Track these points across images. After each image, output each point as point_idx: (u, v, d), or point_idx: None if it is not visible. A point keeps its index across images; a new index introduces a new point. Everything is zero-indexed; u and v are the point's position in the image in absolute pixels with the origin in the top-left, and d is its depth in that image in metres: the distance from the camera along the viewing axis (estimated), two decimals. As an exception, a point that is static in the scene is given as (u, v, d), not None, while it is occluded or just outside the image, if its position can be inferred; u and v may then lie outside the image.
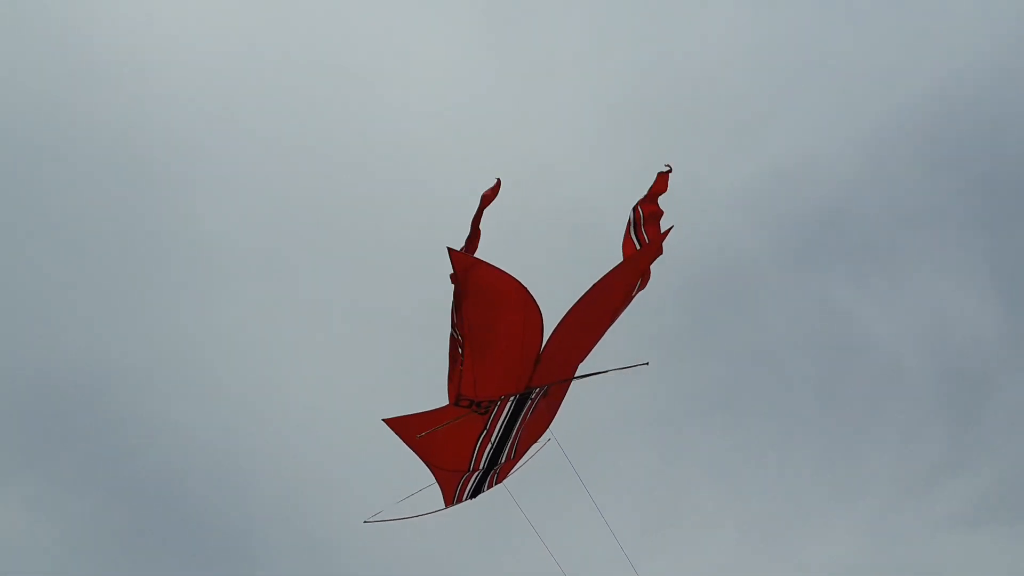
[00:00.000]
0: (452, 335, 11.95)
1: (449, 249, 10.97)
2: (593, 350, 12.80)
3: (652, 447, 30.95)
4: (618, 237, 13.38)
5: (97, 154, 31.38)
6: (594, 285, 11.89)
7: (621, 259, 13.15)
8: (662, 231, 13.40)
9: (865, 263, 34.88)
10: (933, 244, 34.65)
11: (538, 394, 12.17)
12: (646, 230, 13.42)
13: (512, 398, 11.89)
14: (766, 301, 34.30)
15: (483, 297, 11.39)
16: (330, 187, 32.63)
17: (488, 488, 12.74)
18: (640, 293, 13.17)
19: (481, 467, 12.38)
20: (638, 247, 13.27)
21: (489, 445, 12.28)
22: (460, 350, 11.74)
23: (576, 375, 12.55)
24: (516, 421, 12.20)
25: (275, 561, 28.17)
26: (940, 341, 34.13)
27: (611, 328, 12.83)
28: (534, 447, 12.91)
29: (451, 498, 12.51)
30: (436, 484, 12.50)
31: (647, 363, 12.28)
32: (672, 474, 30.67)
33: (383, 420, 11.66)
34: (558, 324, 11.79)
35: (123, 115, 31.50)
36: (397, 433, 11.89)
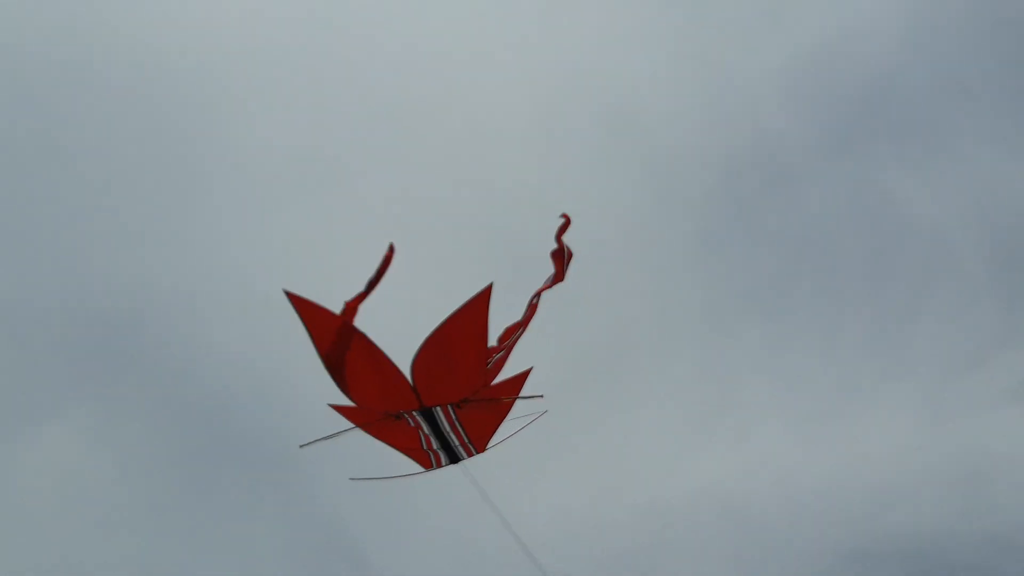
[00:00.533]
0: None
1: (287, 293, 11.48)
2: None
3: (698, 343, 30.90)
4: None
5: (132, 76, 31.27)
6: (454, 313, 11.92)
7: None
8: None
9: (907, 140, 34.07)
10: (977, 116, 33.74)
11: (449, 408, 12.32)
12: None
13: (414, 412, 12.21)
14: (808, 186, 33.70)
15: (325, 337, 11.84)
16: (370, 96, 32.33)
17: (468, 456, 13.10)
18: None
19: (435, 448, 12.78)
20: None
21: (432, 440, 12.66)
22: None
23: (479, 397, 12.49)
24: (438, 428, 12.49)
25: (323, 473, 28.60)
26: (988, 215, 33.46)
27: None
28: (528, 420, 13.27)
29: (428, 464, 13.02)
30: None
31: (541, 396, 12.87)
32: (719, 368, 30.61)
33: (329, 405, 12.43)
34: (418, 351, 11.80)
35: (155, 36, 31.24)
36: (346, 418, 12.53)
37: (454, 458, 12.98)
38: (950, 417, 30.84)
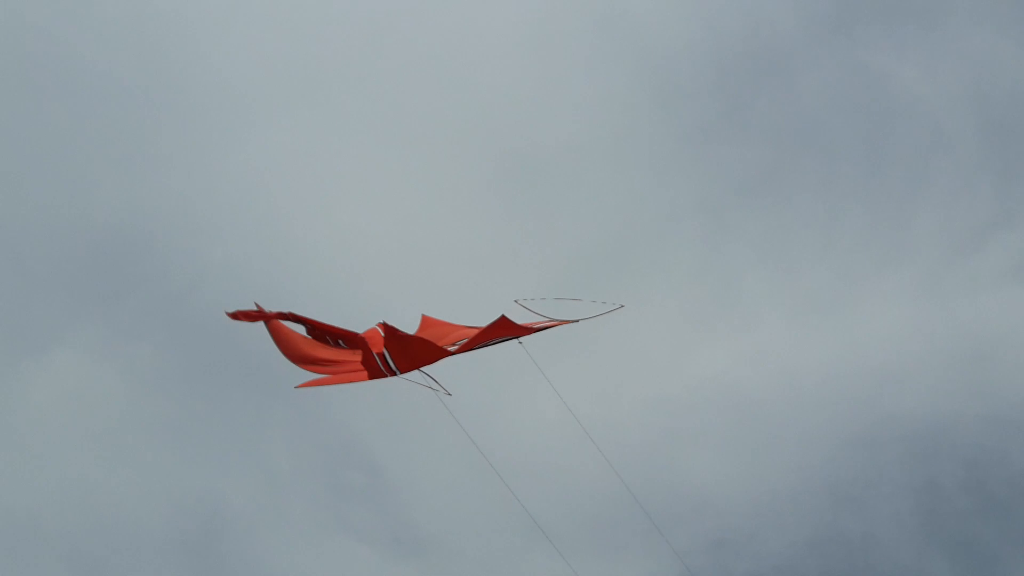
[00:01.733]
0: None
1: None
2: None
3: (697, 236, 30.98)
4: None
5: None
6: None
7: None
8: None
9: (898, 21, 33.65)
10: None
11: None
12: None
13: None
14: (801, 73, 33.39)
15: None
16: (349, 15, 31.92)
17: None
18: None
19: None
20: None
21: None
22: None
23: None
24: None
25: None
26: (981, 94, 33.23)
27: None
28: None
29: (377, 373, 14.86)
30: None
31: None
32: (718, 262, 30.74)
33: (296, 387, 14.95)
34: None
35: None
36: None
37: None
38: (950, 300, 31.09)
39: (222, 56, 31.15)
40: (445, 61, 32.48)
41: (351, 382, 15.01)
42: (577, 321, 15.70)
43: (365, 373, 14.85)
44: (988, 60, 33.39)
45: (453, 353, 14.93)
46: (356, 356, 14.87)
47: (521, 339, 15.15)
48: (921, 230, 32.35)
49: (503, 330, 14.79)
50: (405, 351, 14.55)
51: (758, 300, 30.38)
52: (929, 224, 32.43)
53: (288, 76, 31.32)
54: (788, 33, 33.00)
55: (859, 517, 27.30)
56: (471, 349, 14.99)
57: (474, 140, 31.20)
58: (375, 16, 32.28)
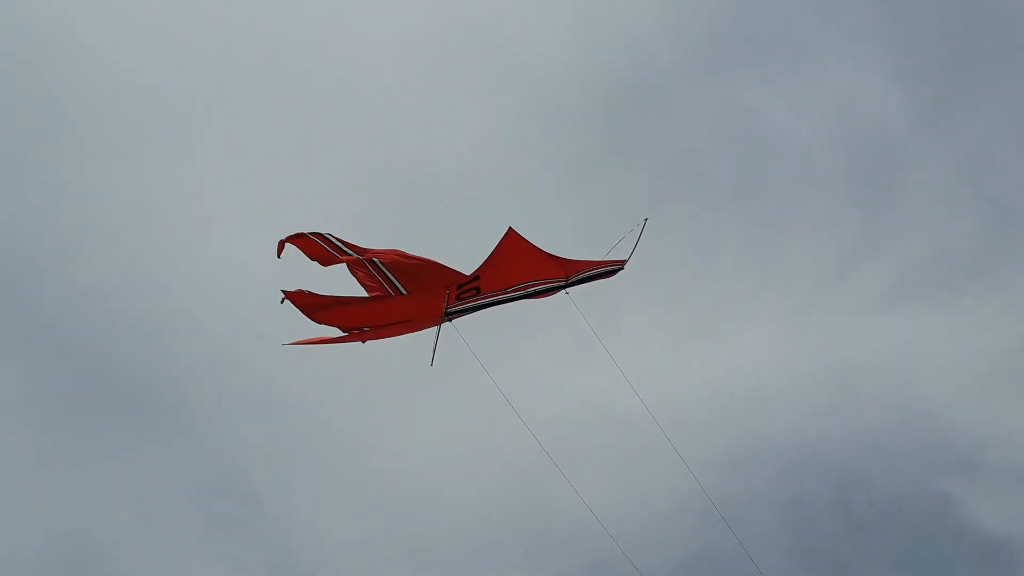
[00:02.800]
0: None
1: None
2: None
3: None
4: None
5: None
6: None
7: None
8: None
9: (770, 59, 34.94)
10: (837, 33, 34.81)
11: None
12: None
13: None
14: (679, 107, 34.35)
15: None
16: (243, 28, 31.63)
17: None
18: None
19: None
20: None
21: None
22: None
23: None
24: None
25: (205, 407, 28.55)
26: (848, 130, 34.74)
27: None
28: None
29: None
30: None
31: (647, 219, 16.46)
32: (598, 290, 31.11)
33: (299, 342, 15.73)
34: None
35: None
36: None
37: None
38: (819, 327, 32.28)
39: (102, 77, 30.30)
40: (334, 89, 32.27)
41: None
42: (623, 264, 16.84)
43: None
44: (855, 97, 34.88)
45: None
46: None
47: (568, 290, 16.69)
48: (792, 260, 33.43)
49: (550, 269, 16.21)
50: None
51: (638, 325, 30.89)
52: (799, 254, 33.61)
53: (170, 98, 30.69)
54: (667, 68, 33.91)
55: (731, 535, 27.94)
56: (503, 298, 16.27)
57: (363, 167, 31.11)
58: (264, 41, 31.98)
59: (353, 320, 15.83)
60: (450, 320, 16.16)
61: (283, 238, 15.38)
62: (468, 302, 16.20)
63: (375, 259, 15.73)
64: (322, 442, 28.05)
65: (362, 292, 15.94)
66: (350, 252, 15.62)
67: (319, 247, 15.56)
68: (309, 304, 15.57)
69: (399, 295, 15.81)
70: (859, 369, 31.58)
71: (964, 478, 30.20)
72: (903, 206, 34.07)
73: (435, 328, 16.07)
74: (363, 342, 16.07)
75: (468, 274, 15.94)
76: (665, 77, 33.89)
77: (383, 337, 16.16)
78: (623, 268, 16.87)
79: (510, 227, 15.44)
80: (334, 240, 15.62)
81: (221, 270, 28.25)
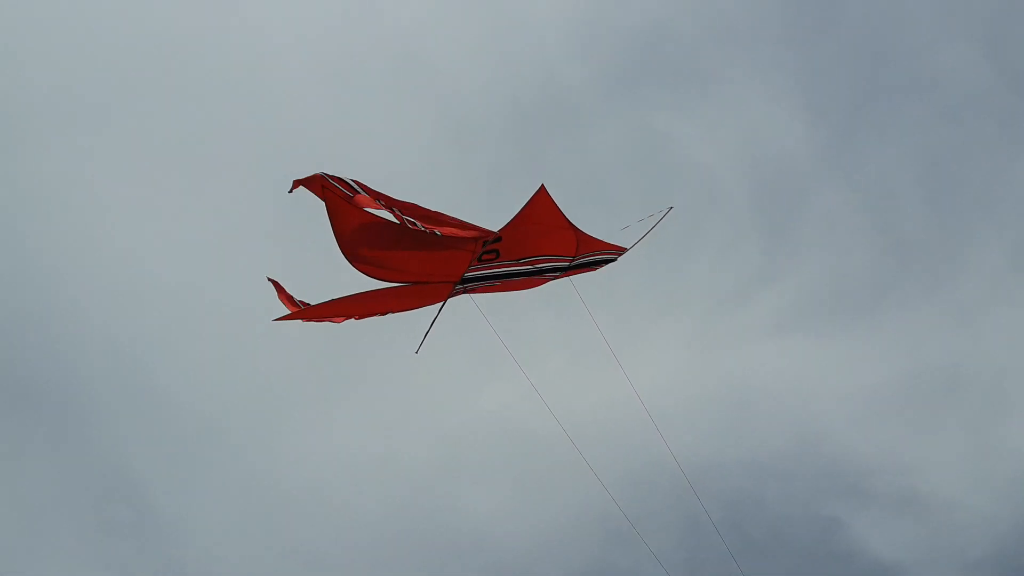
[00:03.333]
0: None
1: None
2: None
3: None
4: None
5: None
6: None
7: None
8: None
9: (681, 84, 35.58)
10: (747, 64, 35.65)
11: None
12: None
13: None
14: (589, 126, 34.71)
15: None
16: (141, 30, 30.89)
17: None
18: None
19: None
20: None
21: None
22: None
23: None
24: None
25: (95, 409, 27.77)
26: (754, 159, 35.50)
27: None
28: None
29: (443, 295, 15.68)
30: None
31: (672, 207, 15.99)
32: (502, 306, 31.13)
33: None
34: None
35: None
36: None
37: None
38: (717, 350, 32.92)
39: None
40: (240, 95, 31.84)
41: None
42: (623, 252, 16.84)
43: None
44: (761, 126, 35.67)
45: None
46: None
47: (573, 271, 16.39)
48: (694, 284, 33.83)
49: (564, 242, 15.75)
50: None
51: (543, 343, 30.97)
52: (701, 278, 34.02)
53: (67, 100, 29.85)
54: (579, 87, 34.25)
55: (627, 552, 28.27)
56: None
57: (268, 175, 30.79)
58: (167, 46, 31.38)
59: (359, 308, 15.24)
60: (466, 290, 15.67)
61: (299, 179, 13.97)
62: (487, 267, 15.58)
63: (396, 209, 14.43)
64: (218, 448, 27.54)
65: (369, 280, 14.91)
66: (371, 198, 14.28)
67: (337, 192, 14.18)
68: (309, 314, 15.00)
69: (408, 277, 15.00)
70: (756, 393, 32.25)
71: (854, 503, 31.17)
72: (803, 234, 34.96)
73: (435, 305, 15.54)
74: (357, 318, 15.44)
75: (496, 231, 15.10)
76: (577, 96, 34.23)
77: (383, 311, 15.46)
78: (622, 255, 16.97)
79: (542, 184, 14.87)
80: (355, 185, 14.24)
81: (113, 268, 27.81)
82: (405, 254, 14.84)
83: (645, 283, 33.12)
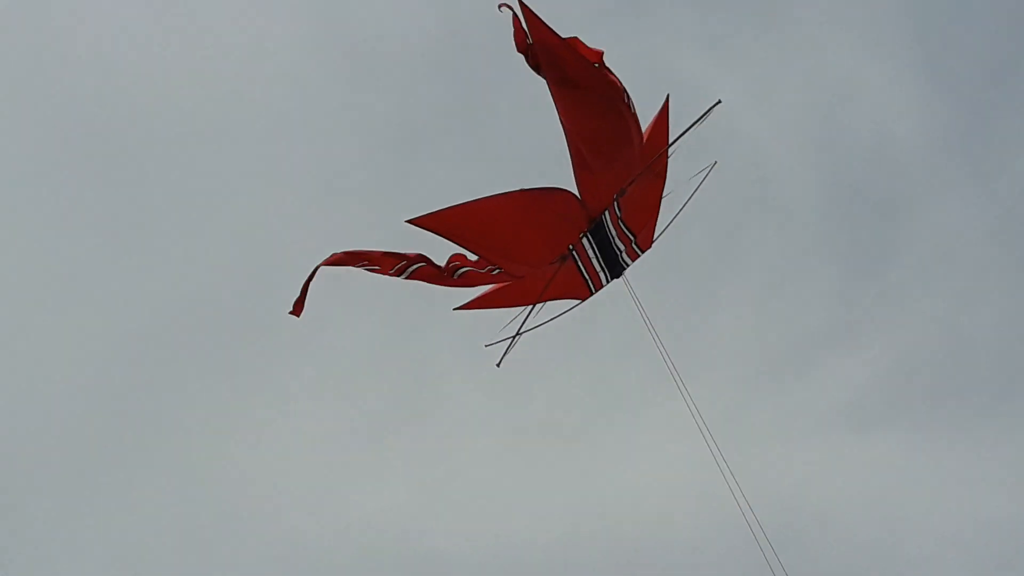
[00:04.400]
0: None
1: None
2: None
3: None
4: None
5: None
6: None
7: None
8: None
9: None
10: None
11: (615, 206, 12.79)
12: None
13: (583, 236, 12.90)
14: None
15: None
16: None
17: (633, 260, 13.56)
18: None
19: (597, 269, 13.33)
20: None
21: (595, 260, 13.22)
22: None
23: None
24: (606, 236, 13.04)
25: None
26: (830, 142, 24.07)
27: None
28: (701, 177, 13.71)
29: (587, 292, 13.55)
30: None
31: (719, 101, 12.58)
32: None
33: (454, 308, 13.62)
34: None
35: None
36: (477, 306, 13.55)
37: (616, 271, 13.43)
38: (752, 447, 21.43)
39: None
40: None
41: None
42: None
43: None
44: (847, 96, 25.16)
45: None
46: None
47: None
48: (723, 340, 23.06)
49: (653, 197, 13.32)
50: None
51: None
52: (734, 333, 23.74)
53: None
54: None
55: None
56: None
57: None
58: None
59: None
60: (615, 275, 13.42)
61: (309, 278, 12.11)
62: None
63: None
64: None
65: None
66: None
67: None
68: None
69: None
70: (809, 518, 21.20)
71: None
72: (901, 270, 23.25)
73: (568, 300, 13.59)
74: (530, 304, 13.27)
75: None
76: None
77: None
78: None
79: (668, 95, 12.92)
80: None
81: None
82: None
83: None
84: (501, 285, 13.37)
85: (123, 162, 23.94)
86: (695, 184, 13.63)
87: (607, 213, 12.72)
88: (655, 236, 13.71)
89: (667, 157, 12.95)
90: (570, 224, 12.74)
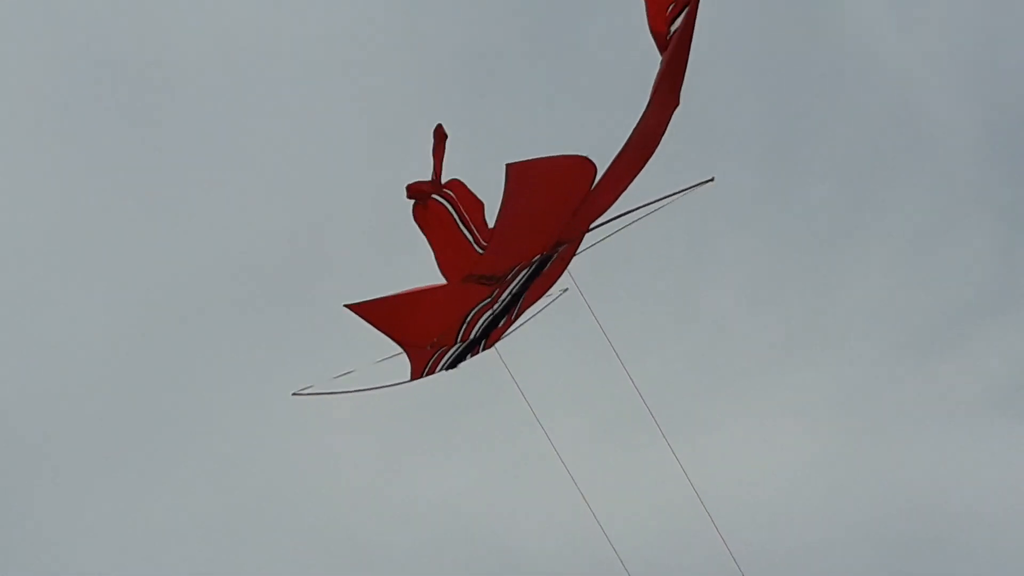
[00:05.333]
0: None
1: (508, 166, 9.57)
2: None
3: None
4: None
5: None
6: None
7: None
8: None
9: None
10: None
11: (562, 248, 12.09)
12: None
13: (536, 258, 11.94)
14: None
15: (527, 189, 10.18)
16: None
17: (473, 356, 12.85)
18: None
19: (472, 336, 12.55)
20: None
21: (490, 312, 12.34)
22: (468, 234, 11.31)
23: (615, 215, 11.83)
24: (531, 280, 12.22)
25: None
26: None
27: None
28: (540, 302, 12.85)
29: (420, 371, 12.65)
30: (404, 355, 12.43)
31: (712, 179, 12.04)
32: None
33: (344, 306, 11.29)
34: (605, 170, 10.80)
35: None
36: (363, 317, 11.47)
37: (460, 360, 12.68)
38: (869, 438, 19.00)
39: None
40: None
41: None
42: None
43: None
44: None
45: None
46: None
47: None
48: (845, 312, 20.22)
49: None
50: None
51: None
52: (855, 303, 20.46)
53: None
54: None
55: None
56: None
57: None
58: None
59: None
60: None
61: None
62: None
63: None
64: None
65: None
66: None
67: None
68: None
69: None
70: (940, 514, 17.96)
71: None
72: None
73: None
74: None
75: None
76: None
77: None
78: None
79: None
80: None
81: None
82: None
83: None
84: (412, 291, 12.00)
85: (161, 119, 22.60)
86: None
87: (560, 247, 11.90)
88: (510, 331, 12.95)
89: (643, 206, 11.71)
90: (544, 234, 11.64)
